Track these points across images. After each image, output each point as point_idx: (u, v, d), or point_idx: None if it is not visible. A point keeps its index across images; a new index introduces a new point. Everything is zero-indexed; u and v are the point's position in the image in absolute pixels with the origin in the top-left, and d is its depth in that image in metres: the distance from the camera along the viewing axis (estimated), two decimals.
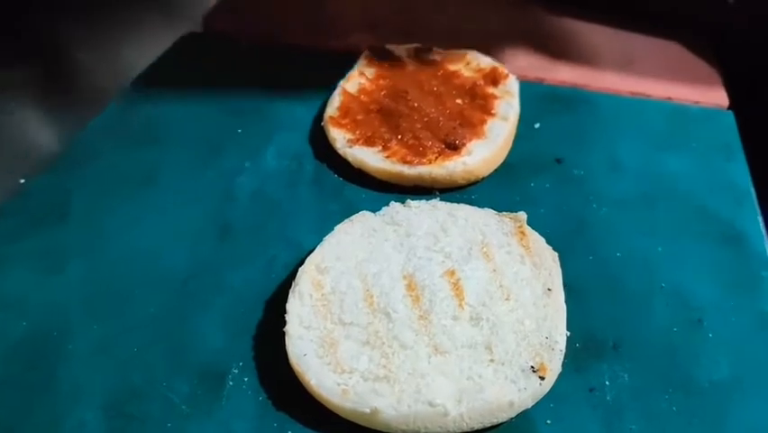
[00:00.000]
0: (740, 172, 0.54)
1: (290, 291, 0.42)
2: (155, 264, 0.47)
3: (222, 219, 0.50)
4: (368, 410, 0.36)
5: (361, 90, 0.58)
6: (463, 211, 0.47)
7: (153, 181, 0.53)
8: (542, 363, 0.38)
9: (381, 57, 0.61)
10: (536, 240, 0.45)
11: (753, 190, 0.53)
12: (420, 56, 0.62)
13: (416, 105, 0.56)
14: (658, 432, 0.37)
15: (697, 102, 0.61)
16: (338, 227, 0.46)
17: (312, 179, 0.54)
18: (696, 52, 0.68)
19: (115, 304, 0.44)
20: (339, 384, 0.37)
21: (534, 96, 0.60)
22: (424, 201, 0.48)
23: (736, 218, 0.50)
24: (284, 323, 0.40)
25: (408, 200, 0.48)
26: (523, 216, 0.45)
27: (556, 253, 0.44)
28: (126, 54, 0.72)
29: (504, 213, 0.46)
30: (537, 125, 0.58)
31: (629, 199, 0.52)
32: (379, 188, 0.52)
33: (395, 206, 0.48)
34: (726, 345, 0.41)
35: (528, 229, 0.45)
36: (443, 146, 0.52)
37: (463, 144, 0.52)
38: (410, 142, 0.52)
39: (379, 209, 0.48)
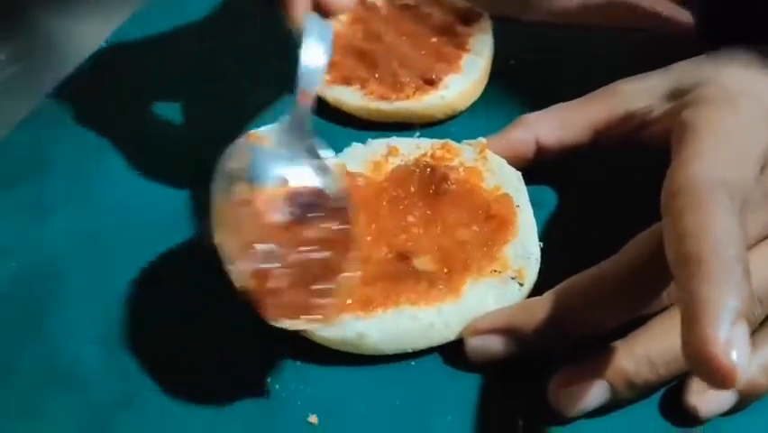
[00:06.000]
0: None
1: None
2: (140, 207, 0.47)
3: (205, 164, 0.50)
4: (354, 336, 0.37)
5: (336, 35, 0.58)
6: (424, 144, 0.48)
7: (133, 131, 0.53)
8: (519, 271, 0.39)
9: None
10: (499, 163, 0.46)
11: None
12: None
13: (391, 45, 0.56)
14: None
15: (668, 32, 0.62)
16: None
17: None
18: None
19: (103, 246, 0.45)
20: None
21: (509, 35, 0.60)
22: (383, 139, 0.48)
23: None
24: None
25: (369, 139, 0.48)
26: (483, 141, 0.46)
27: (519, 173, 0.45)
28: (97, 19, 0.71)
29: (465, 141, 0.47)
30: (512, 62, 0.59)
31: None
32: (360, 127, 0.53)
33: (356, 146, 0.48)
34: None
35: (490, 153, 0.46)
36: (421, 81, 0.53)
37: (440, 79, 0.53)
38: (387, 79, 0.53)
39: None
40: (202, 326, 0.40)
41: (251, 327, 0.39)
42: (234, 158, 0.36)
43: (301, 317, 0.33)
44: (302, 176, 0.37)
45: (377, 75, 0.54)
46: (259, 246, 0.33)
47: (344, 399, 0.36)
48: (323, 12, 0.39)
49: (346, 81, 0.53)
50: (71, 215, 0.47)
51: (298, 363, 0.38)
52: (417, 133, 0.52)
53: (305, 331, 0.37)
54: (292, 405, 0.36)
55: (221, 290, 0.41)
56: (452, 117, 0.54)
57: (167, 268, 0.43)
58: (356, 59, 0.56)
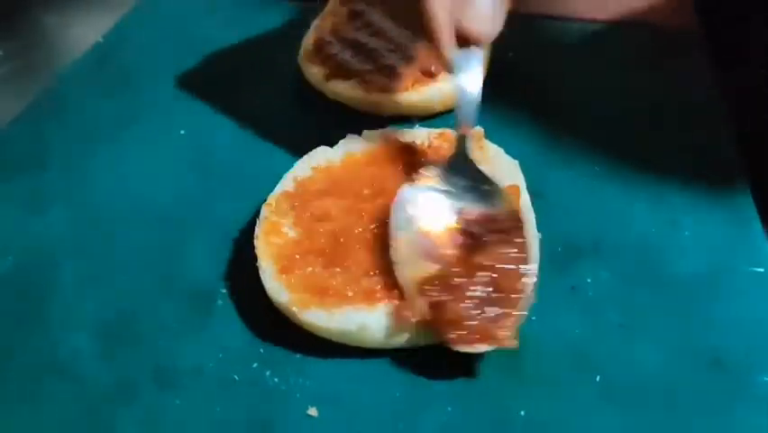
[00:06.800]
0: (709, 90, 0.55)
1: (256, 226, 0.42)
2: (138, 200, 0.47)
3: (202, 156, 0.51)
4: (354, 328, 0.37)
5: (334, 28, 0.58)
6: (421, 133, 0.47)
7: (131, 124, 0.53)
8: None
9: None
10: (496, 151, 0.45)
11: (721, 103, 0.53)
12: None
13: (390, 38, 0.56)
14: (638, 321, 0.38)
15: (668, 25, 0.62)
16: (297, 163, 0.46)
17: (291, 116, 0.54)
18: None
19: (101, 238, 0.45)
20: (322, 308, 0.37)
21: (508, 28, 0.60)
22: (379, 130, 0.48)
23: (708, 129, 0.51)
24: None
25: (364, 130, 0.48)
26: (480, 130, 0.46)
27: (516, 161, 0.44)
28: (97, 12, 0.71)
29: None
30: (511, 54, 0.59)
31: (605, 118, 0.52)
32: (359, 120, 0.53)
33: (351, 137, 0.48)
34: (701, 241, 0.42)
35: (486, 142, 0.46)
36: (420, 74, 0.52)
37: (439, 71, 0.52)
38: (386, 72, 0.53)
39: None
40: (200, 319, 0.40)
41: (250, 320, 0.40)
42: (410, 203, 0.39)
43: (483, 342, 0.34)
44: (472, 204, 0.39)
45: (376, 67, 0.53)
46: (435, 281, 0.35)
47: (344, 391, 0.36)
48: (469, 42, 0.41)
49: (345, 74, 0.53)
50: (69, 208, 0.47)
51: (298, 355, 0.38)
52: (417, 125, 0.52)
53: (301, 321, 0.37)
54: (292, 398, 0.36)
55: (217, 282, 0.42)
56: (451, 110, 0.53)
57: (165, 260, 0.43)
58: (355, 51, 0.55)
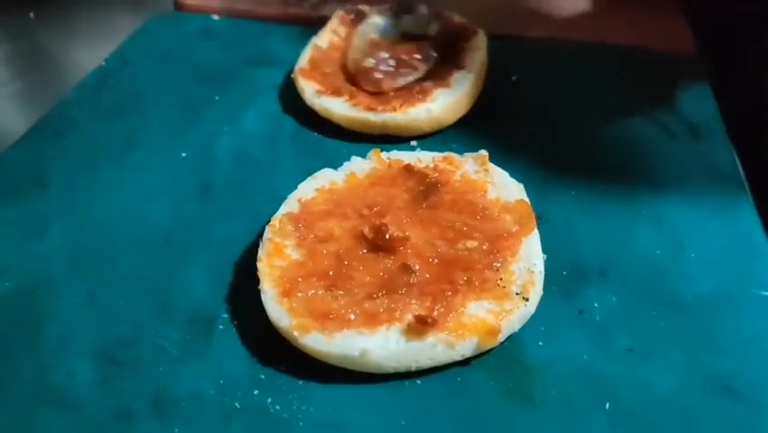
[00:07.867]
0: (710, 112, 0.55)
1: (259, 248, 0.41)
2: (138, 223, 0.46)
3: (203, 178, 0.50)
4: (357, 353, 0.36)
5: (332, 46, 0.59)
6: (425, 156, 0.47)
7: (132, 148, 0.53)
8: (523, 286, 0.38)
9: (354, 17, 0.62)
10: (500, 174, 0.45)
11: (722, 125, 0.53)
12: None
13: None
14: (648, 345, 0.38)
15: (666, 49, 0.62)
16: (301, 185, 0.45)
17: (292, 138, 0.54)
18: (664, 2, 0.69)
19: (99, 262, 0.44)
20: (323, 332, 0.37)
21: (511, 51, 0.60)
22: (385, 153, 0.48)
23: (711, 151, 0.51)
24: None
25: (369, 152, 0.48)
26: (484, 153, 0.46)
27: (521, 185, 0.44)
28: (98, 37, 0.71)
29: (466, 153, 0.47)
30: (515, 78, 0.59)
31: (608, 141, 0.52)
32: (361, 141, 0.52)
33: (356, 160, 0.48)
34: (708, 263, 0.42)
35: (491, 165, 0.46)
36: (407, 94, 0.53)
37: (428, 92, 0.52)
38: (374, 91, 0.53)
39: None
40: (200, 345, 0.39)
41: (252, 345, 0.39)
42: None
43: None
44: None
45: (366, 87, 0.54)
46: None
47: (348, 419, 0.35)
48: None
49: (336, 93, 0.54)
50: (69, 232, 0.46)
51: (301, 382, 0.37)
52: (418, 147, 0.52)
53: (302, 346, 0.37)
54: (294, 426, 0.35)
55: (219, 306, 0.41)
56: (439, 131, 0.53)
57: (165, 283, 0.42)
58: (348, 71, 0.56)
